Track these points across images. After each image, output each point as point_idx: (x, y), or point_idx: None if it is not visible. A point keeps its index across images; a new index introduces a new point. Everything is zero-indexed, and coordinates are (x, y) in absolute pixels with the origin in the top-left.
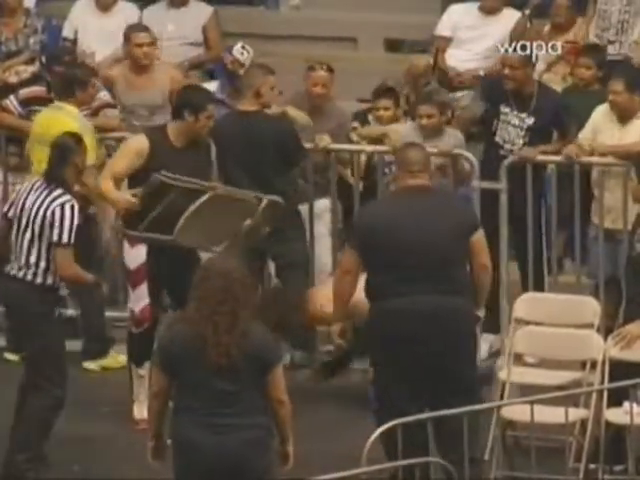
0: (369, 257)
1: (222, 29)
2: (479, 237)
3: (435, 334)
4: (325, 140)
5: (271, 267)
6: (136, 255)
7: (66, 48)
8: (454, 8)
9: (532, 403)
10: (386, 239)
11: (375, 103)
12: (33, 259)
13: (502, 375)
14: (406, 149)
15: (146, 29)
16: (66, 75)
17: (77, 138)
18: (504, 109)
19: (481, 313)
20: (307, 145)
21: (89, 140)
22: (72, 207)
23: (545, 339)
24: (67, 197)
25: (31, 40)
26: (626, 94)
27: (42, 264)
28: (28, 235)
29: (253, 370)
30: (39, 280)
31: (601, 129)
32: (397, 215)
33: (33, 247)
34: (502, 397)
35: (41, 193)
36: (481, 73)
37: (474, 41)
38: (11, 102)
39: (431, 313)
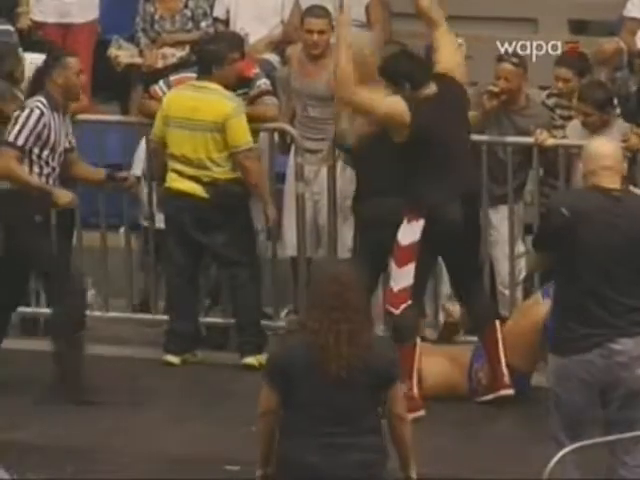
0: None
1: (391, 9)
2: None
3: None
4: (544, 135)
5: None
6: (412, 231)
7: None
8: None
9: None
10: None
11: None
12: None
13: None
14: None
15: (322, 14)
16: (202, 51)
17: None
18: None
19: None
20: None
21: (242, 122)
22: (31, 111)
23: None
24: (34, 103)
25: (203, 24)
26: None
27: None
28: None
29: (373, 385)
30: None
31: None
32: None
33: None
34: None
35: None
36: None
37: None
38: (160, 88)
39: None
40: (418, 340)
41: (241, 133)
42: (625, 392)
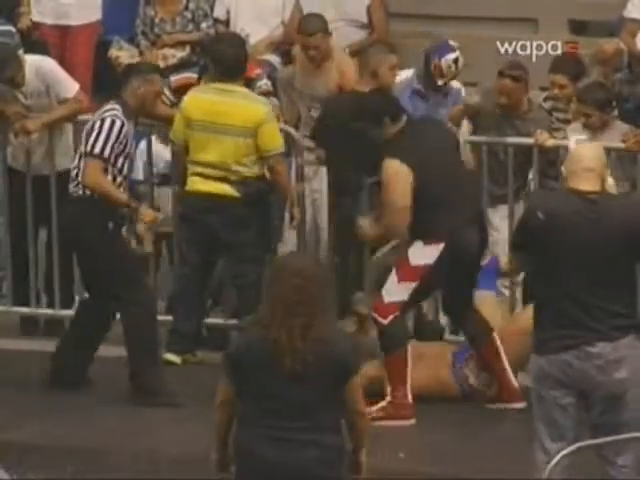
0: None
1: (389, 10)
2: None
3: None
4: (544, 135)
5: None
6: (428, 254)
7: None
8: None
9: None
10: None
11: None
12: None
13: None
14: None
15: (316, 29)
16: (227, 52)
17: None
18: None
19: None
20: (526, 141)
21: (275, 126)
22: (112, 121)
23: None
24: (111, 112)
25: (203, 25)
26: None
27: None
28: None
29: (330, 379)
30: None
31: None
32: None
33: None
34: None
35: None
36: None
37: None
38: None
39: None
40: (409, 347)
41: (275, 138)
42: (605, 395)
